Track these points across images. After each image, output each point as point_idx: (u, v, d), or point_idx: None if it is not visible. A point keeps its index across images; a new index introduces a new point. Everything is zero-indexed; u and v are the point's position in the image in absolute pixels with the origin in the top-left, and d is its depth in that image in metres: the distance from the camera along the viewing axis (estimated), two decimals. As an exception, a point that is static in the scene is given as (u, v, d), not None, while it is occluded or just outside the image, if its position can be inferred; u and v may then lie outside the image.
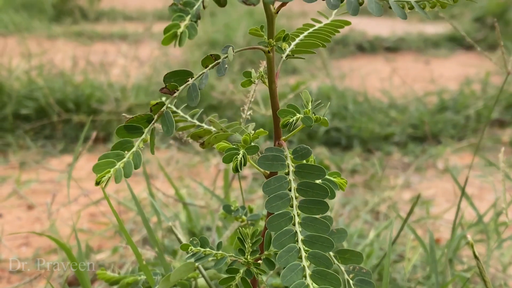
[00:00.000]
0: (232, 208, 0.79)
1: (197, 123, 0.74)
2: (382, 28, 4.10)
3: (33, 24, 4.31)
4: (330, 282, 0.55)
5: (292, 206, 0.58)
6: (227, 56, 0.59)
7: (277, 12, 0.61)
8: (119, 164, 0.54)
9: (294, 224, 0.57)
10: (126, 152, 0.56)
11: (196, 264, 0.72)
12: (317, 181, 0.67)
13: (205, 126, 0.73)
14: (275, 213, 0.58)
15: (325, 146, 2.23)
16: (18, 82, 2.48)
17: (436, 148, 2.21)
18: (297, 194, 0.59)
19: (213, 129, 0.72)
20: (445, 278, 1.17)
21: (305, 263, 0.56)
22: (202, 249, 0.72)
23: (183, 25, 0.50)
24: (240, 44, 3.53)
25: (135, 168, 0.55)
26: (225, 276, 0.71)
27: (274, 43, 0.62)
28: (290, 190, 0.59)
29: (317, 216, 0.58)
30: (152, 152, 0.57)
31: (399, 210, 1.67)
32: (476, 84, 2.84)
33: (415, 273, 1.29)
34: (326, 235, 0.57)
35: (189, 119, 0.74)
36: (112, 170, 0.53)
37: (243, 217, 0.79)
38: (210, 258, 0.72)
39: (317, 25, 0.72)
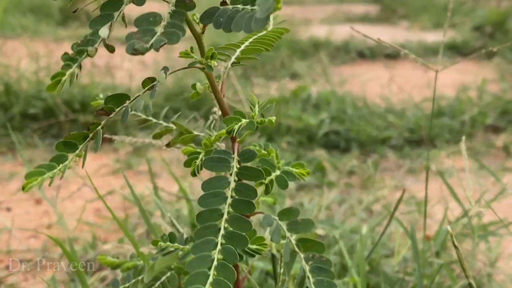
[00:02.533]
0: None
1: (164, 123, 0.79)
2: (383, 36, 4.16)
3: (40, 28, 4.39)
4: (227, 276, 0.58)
5: (226, 204, 0.62)
6: (158, 81, 0.64)
7: (203, 32, 0.66)
8: (47, 175, 0.60)
9: (221, 221, 0.61)
10: (59, 164, 0.62)
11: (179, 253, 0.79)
12: (273, 174, 0.74)
13: (164, 124, 0.79)
14: (206, 208, 0.62)
15: (324, 149, 2.30)
16: (26, 82, 2.56)
17: (431, 152, 2.27)
18: (233, 194, 0.63)
19: (174, 127, 0.78)
20: (433, 269, 1.24)
21: (216, 255, 0.59)
22: (170, 244, 0.79)
23: (68, 73, 0.58)
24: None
25: (61, 175, 0.61)
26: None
27: (205, 61, 0.67)
28: (228, 190, 0.63)
29: (243, 216, 0.62)
30: (82, 166, 0.63)
31: (392, 209, 1.73)
32: (472, 91, 2.91)
33: (406, 266, 1.35)
34: (245, 234, 0.61)
35: (154, 120, 0.80)
36: (39, 179, 0.59)
37: None
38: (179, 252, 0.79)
39: (261, 33, 0.75)
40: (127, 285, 0.85)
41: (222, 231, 0.61)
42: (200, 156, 0.69)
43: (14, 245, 1.55)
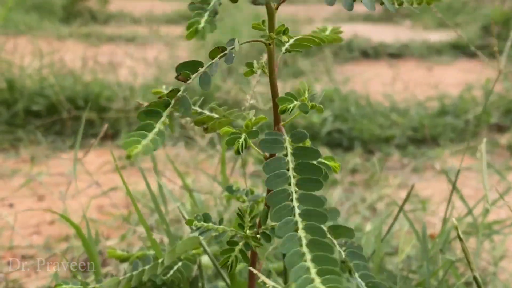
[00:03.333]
0: (234, 188, 0.85)
1: (200, 110, 0.79)
2: (386, 35, 4.16)
3: (43, 25, 4.39)
4: (324, 250, 0.59)
5: (290, 184, 0.63)
6: (233, 47, 0.65)
7: (277, 8, 0.66)
8: (147, 140, 0.58)
9: (291, 200, 0.62)
10: (149, 132, 0.60)
11: (201, 238, 0.78)
12: (313, 162, 0.73)
13: (207, 113, 0.79)
14: (274, 190, 0.63)
15: (327, 147, 2.29)
16: (30, 79, 2.56)
17: (435, 151, 2.27)
18: (294, 173, 0.64)
19: (215, 115, 0.78)
20: (436, 267, 1.23)
21: (301, 233, 0.60)
22: (205, 224, 0.79)
23: (202, 21, 0.57)
24: (245, 46, 3.59)
25: (160, 144, 0.59)
26: (225, 248, 0.77)
27: (275, 36, 0.68)
28: (288, 170, 0.64)
29: (313, 193, 0.64)
30: (172, 131, 0.62)
31: (396, 207, 1.72)
32: (476, 90, 2.90)
33: (410, 264, 1.35)
34: (321, 210, 0.62)
35: (192, 107, 0.80)
36: (140, 145, 0.57)
37: (244, 197, 0.84)
38: (213, 233, 0.78)
39: (316, 32, 0.80)
40: (148, 266, 0.84)
41: (297, 210, 0.61)
42: (243, 136, 0.69)
43: (17, 241, 1.54)
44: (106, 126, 1.49)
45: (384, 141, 2.37)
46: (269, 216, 0.67)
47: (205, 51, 3.24)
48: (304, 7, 6.33)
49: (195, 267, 0.94)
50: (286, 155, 0.65)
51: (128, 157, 0.56)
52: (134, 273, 0.85)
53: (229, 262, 0.78)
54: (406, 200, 1.12)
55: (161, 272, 0.84)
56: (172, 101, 0.62)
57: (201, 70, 0.64)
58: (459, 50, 4.18)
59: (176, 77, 0.64)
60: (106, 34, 4.40)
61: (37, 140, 2.30)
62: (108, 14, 5.28)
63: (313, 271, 0.57)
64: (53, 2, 5.07)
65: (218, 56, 0.66)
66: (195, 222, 0.79)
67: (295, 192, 0.62)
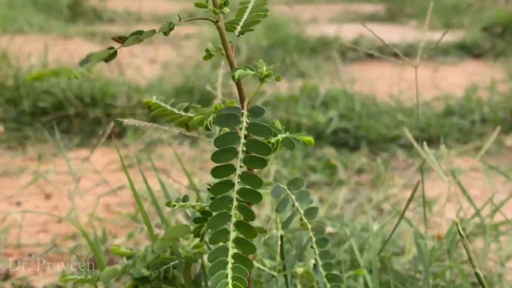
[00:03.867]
0: None
1: (183, 113, 0.82)
2: (392, 35, 4.16)
3: (49, 24, 4.40)
4: (248, 233, 0.61)
5: (238, 159, 0.64)
6: (173, 24, 0.69)
7: None
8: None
9: (235, 175, 0.63)
10: None
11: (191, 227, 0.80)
12: (279, 136, 0.74)
13: (189, 114, 0.81)
14: (221, 164, 0.64)
15: (333, 146, 2.29)
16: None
17: (441, 151, 2.26)
18: (244, 149, 0.64)
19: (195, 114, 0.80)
20: (444, 267, 1.23)
21: (233, 212, 0.62)
22: (183, 203, 0.81)
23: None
24: (252, 44, 3.60)
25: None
26: (197, 217, 0.81)
27: (218, 10, 0.69)
28: (239, 145, 0.65)
29: (255, 171, 0.65)
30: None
31: (402, 207, 1.73)
32: (482, 90, 2.90)
33: (417, 265, 1.35)
34: (258, 190, 0.63)
35: (177, 112, 0.82)
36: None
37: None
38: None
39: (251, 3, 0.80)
40: (141, 252, 0.85)
41: (236, 187, 0.62)
42: (211, 116, 0.72)
43: (24, 239, 1.55)
44: (112, 124, 1.49)
45: (390, 141, 2.37)
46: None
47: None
48: (309, 7, 6.33)
49: (198, 266, 0.95)
50: (240, 129, 0.66)
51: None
52: (129, 262, 0.87)
53: (202, 231, 0.80)
54: (410, 200, 1.13)
55: (152, 260, 0.85)
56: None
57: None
58: (465, 50, 4.18)
59: (112, 38, 0.65)
60: (112, 33, 4.40)
61: (44, 138, 2.31)
62: (113, 13, 5.29)
63: (230, 252, 0.59)
64: (59, 1, 5.08)
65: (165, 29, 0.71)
66: (173, 203, 0.81)
67: (240, 167, 0.63)
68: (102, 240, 1.50)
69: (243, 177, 0.63)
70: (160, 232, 1.18)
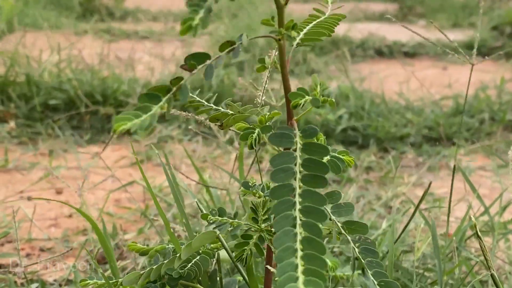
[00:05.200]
0: (250, 183, 0.85)
1: (214, 107, 0.80)
2: (401, 34, 4.15)
3: (60, 21, 4.42)
4: (316, 249, 0.58)
5: (295, 179, 0.63)
6: (241, 42, 0.66)
7: (286, 4, 0.67)
8: (136, 120, 0.60)
9: (294, 195, 0.62)
10: (144, 114, 0.62)
11: (218, 232, 0.80)
12: (325, 158, 0.74)
13: (222, 110, 0.80)
14: (279, 183, 0.63)
15: (342, 145, 2.30)
16: (48, 74, 2.59)
17: (450, 149, 2.27)
18: (301, 169, 0.63)
19: (230, 112, 0.79)
20: (453, 265, 1.24)
21: (298, 229, 0.59)
22: (220, 218, 0.80)
23: (197, 17, 0.58)
24: (260, 45, 3.60)
25: (149, 125, 0.61)
26: (239, 241, 0.78)
27: (284, 31, 0.68)
28: (295, 165, 0.63)
29: (316, 190, 0.62)
30: (167, 116, 0.63)
31: (410, 205, 1.73)
32: (491, 89, 2.90)
33: (425, 263, 1.36)
34: (322, 208, 0.61)
35: (206, 103, 0.81)
36: (129, 123, 0.58)
37: (260, 192, 0.85)
38: (229, 227, 0.80)
39: (320, 18, 0.80)
40: (166, 261, 0.85)
41: (298, 206, 0.61)
42: (256, 131, 0.71)
43: (35, 233, 1.57)
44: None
45: (399, 140, 2.38)
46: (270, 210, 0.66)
47: (217, 49, 3.25)
48: (318, 6, 6.31)
49: (213, 261, 0.96)
50: (295, 150, 0.65)
51: (114, 131, 0.58)
52: (154, 267, 0.87)
53: (244, 256, 0.79)
54: (422, 198, 1.13)
55: (178, 266, 0.85)
56: (174, 88, 0.64)
57: (208, 62, 0.65)
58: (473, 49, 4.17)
59: (181, 66, 0.65)
60: (123, 30, 4.42)
61: (55, 134, 2.32)
62: (125, 11, 5.31)
63: (300, 269, 0.57)
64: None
65: (226, 50, 0.67)
66: (210, 216, 0.80)
67: (299, 187, 0.62)
68: (112, 235, 1.51)
69: (304, 195, 0.62)
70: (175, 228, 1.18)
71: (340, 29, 4.10)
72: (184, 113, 0.91)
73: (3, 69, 2.57)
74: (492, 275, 0.88)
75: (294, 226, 0.59)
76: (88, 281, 0.89)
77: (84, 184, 1.77)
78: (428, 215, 1.66)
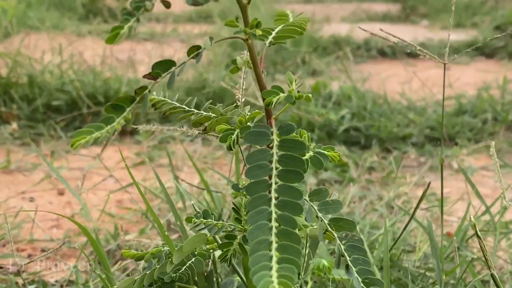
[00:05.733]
0: (240, 185, 0.85)
1: (196, 111, 0.81)
2: (404, 34, 4.15)
3: (63, 22, 4.42)
4: (292, 240, 0.59)
5: (271, 175, 0.63)
6: (204, 48, 0.66)
7: (249, 3, 0.67)
8: (95, 134, 0.61)
9: (270, 191, 0.62)
10: (107, 125, 0.62)
11: (208, 234, 0.80)
12: (307, 155, 0.74)
13: (205, 113, 0.80)
14: (254, 180, 0.63)
15: (344, 145, 2.30)
16: (50, 75, 2.59)
17: (452, 149, 2.27)
18: (277, 165, 0.63)
19: (212, 115, 0.79)
20: (454, 265, 1.24)
21: (273, 223, 0.60)
22: (204, 220, 0.81)
23: (126, 26, 0.59)
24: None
25: (106, 138, 0.62)
26: (223, 242, 0.78)
27: (249, 31, 0.68)
28: (271, 162, 0.64)
29: (292, 184, 0.63)
30: (127, 124, 0.64)
31: (412, 205, 1.73)
32: (494, 89, 2.89)
33: (427, 262, 1.35)
34: (298, 201, 0.62)
35: (187, 108, 0.81)
36: (88, 137, 0.60)
37: (242, 198, 0.84)
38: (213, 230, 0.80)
39: (287, 22, 0.79)
40: (159, 266, 0.85)
41: (273, 201, 0.61)
42: (236, 132, 0.71)
43: (37, 234, 1.57)
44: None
45: (401, 140, 2.37)
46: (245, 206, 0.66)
47: (221, 49, 3.26)
48: (321, 6, 6.33)
49: (210, 261, 0.96)
50: (272, 147, 0.65)
51: (72, 145, 0.60)
52: (147, 272, 0.87)
53: (228, 256, 0.79)
54: (422, 198, 1.13)
55: (171, 270, 0.85)
56: (138, 98, 0.64)
57: (172, 69, 0.66)
58: (477, 50, 4.16)
59: (144, 76, 0.66)
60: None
61: (57, 135, 2.33)
62: (126, 12, 5.31)
63: (274, 259, 0.57)
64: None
65: (193, 54, 0.67)
66: (194, 219, 0.81)
67: (275, 183, 0.62)
68: (113, 236, 1.52)
69: (281, 190, 0.62)
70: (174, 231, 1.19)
71: (342, 30, 4.11)
72: (160, 127, 0.91)
73: (6, 70, 2.57)
74: (492, 275, 0.88)
75: (270, 220, 0.60)
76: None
77: (85, 185, 1.77)
78: (429, 215, 1.66)
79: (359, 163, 2.10)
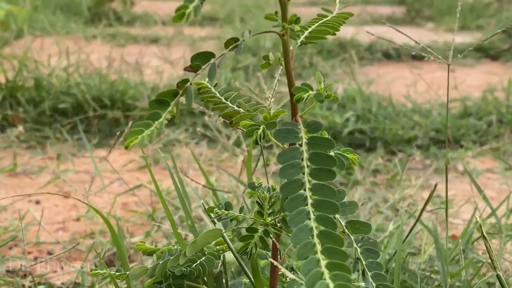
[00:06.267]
0: (256, 184, 0.86)
1: (230, 104, 0.82)
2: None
3: (69, 26, 4.44)
4: (334, 242, 0.59)
5: (304, 174, 0.63)
6: (244, 40, 0.67)
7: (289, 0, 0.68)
8: (146, 132, 0.61)
9: (305, 189, 0.62)
10: (155, 122, 0.62)
11: (223, 230, 0.81)
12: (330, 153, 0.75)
13: (235, 108, 0.81)
14: (288, 179, 0.63)
15: (349, 147, 2.29)
16: (56, 78, 2.60)
17: (458, 152, 2.27)
18: (308, 163, 0.64)
19: (241, 110, 0.80)
20: (459, 267, 1.24)
21: (313, 224, 0.60)
22: (226, 212, 0.82)
23: (191, 6, 0.59)
24: (267, 47, 3.61)
25: (158, 134, 0.62)
26: (244, 235, 0.78)
27: (287, 26, 0.69)
28: (302, 160, 0.64)
29: (325, 183, 0.63)
30: (176, 121, 0.64)
31: (418, 208, 1.73)
32: (499, 92, 2.89)
33: (432, 265, 1.35)
34: (333, 200, 0.62)
35: (223, 100, 0.82)
36: (139, 137, 0.60)
37: (266, 193, 0.85)
38: (233, 225, 0.81)
39: (327, 17, 0.80)
40: (172, 257, 0.86)
41: (309, 200, 0.61)
42: (261, 127, 0.71)
43: (43, 237, 1.58)
44: (130, 124, 1.51)
45: (406, 142, 2.37)
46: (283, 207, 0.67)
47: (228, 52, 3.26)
48: (326, 7, 6.31)
49: (219, 262, 0.96)
50: (301, 145, 0.65)
51: (126, 147, 0.59)
52: (160, 262, 0.87)
53: (249, 249, 0.79)
54: (428, 200, 1.13)
55: (183, 265, 0.86)
56: (180, 92, 0.64)
57: (212, 60, 0.66)
58: (482, 52, 4.16)
59: (185, 68, 0.66)
60: (131, 35, 4.44)
61: (63, 138, 2.34)
62: (133, 15, 5.33)
63: (323, 263, 0.57)
64: (79, 3, 5.13)
65: (231, 47, 0.68)
66: (216, 210, 0.81)
67: (309, 182, 0.63)
68: (120, 237, 1.52)
69: (315, 189, 0.62)
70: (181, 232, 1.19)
71: (348, 32, 4.11)
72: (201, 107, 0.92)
73: (12, 73, 2.59)
74: (498, 276, 0.88)
75: (309, 220, 0.60)
76: (99, 271, 0.90)
77: (92, 187, 1.78)
78: (434, 217, 1.66)
79: (364, 165, 2.10)
